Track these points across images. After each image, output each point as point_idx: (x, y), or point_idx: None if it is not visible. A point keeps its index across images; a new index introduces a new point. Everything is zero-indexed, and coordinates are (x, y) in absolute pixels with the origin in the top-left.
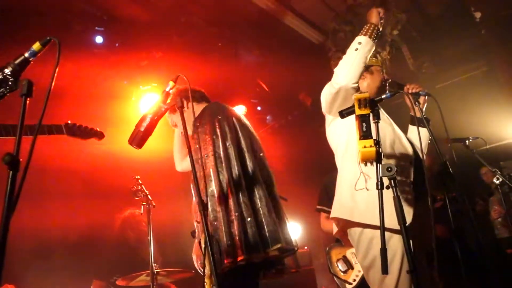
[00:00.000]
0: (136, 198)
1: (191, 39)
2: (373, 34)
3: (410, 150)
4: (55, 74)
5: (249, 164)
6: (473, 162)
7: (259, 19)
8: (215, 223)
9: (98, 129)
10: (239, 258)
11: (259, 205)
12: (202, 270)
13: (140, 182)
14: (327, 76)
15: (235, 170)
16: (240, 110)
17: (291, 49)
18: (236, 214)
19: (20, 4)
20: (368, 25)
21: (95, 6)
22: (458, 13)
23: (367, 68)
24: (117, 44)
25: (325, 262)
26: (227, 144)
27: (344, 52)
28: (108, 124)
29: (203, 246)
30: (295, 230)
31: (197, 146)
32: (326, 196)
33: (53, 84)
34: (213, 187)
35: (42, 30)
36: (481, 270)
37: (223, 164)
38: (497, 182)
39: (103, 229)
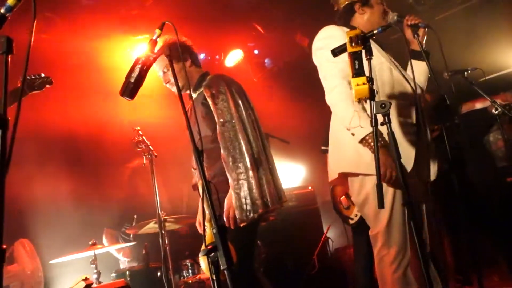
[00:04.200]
0: (138, 149)
1: None
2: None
3: (410, 89)
4: (33, 30)
5: (261, 130)
6: (473, 94)
7: None
8: (241, 181)
9: (44, 75)
10: (260, 210)
11: (272, 163)
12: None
13: (141, 133)
14: (324, 16)
15: (256, 134)
16: (237, 54)
17: None
18: (264, 172)
19: None
20: (371, 146)
21: None
22: None
23: (366, 2)
24: None
25: (330, 201)
26: (249, 112)
27: None
28: (104, 74)
29: (200, 191)
30: (299, 171)
31: (219, 111)
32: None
33: (32, 40)
34: (243, 149)
35: None
36: (481, 201)
37: (248, 129)
38: (496, 112)
39: (111, 182)
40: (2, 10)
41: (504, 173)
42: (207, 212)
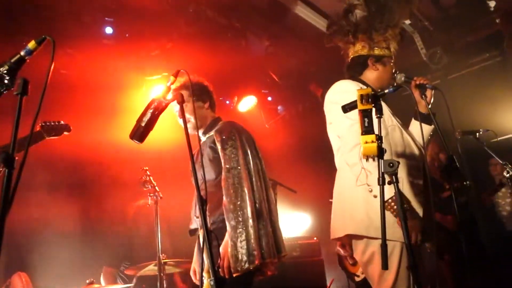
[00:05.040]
0: (144, 189)
1: (200, 29)
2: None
3: (417, 151)
4: (50, 72)
5: (267, 181)
6: (484, 156)
7: (269, 8)
8: (239, 230)
9: (63, 122)
10: (257, 262)
11: (275, 215)
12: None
13: (148, 173)
14: (337, 66)
15: (261, 184)
16: (250, 100)
17: (301, 39)
18: (265, 223)
19: None
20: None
21: None
22: (472, 2)
23: (379, 59)
24: (127, 35)
25: (335, 253)
26: (256, 161)
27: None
28: (119, 114)
29: (201, 240)
30: (304, 220)
31: (227, 157)
32: None
33: (47, 82)
34: (245, 197)
35: (52, 22)
36: (489, 263)
37: (254, 178)
38: (507, 175)
39: (114, 218)
40: (22, 53)
41: None
42: (206, 261)
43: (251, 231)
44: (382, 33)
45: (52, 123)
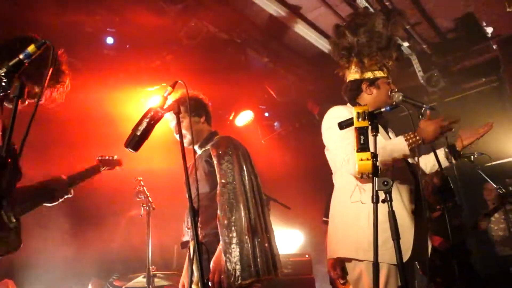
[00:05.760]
0: (137, 199)
1: (200, 43)
2: (414, 146)
3: (409, 172)
4: (48, 77)
5: (262, 197)
6: (478, 178)
7: (270, 25)
8: (233, 245)
9: (117, 157)
10: (251, 279)
11: (270, 232)
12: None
13: (142, 183)
14: (336, 85)
15: (257, 200)
16: (247, 115)
17: (301, 57)
18: (260, 240)
19: (31, 4)
20: (416, 138)
21: (106, 8)
22: (470, 27)
23: (373, 82)
24: (127, 46)
25: (326, 272)
26: (252, 177)
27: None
28: (118, 125)
29: (191, 251)
30: (297, 238)
31: (223, 172)
32: None
33: (45, 87)
34: (241, 213)
35: (54, 30)
36: (482, 287)
37: (249, 194)
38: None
39: (106, 227)
40: (21, 56)
41: (507, 262)
42: (195, 274)
43: (245, 246)
44: (372, 57)
45: (108, 158)
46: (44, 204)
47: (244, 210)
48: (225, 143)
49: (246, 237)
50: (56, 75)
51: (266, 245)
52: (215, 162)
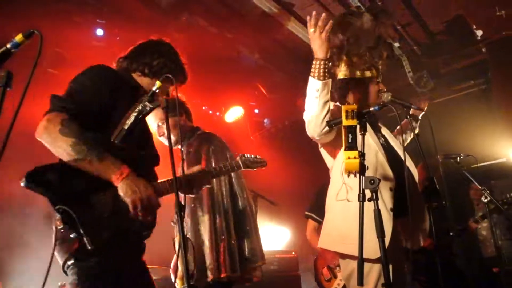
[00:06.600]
0: None
1: (191, 37)
2: (324, 72)
3: (390, 174)
4: (35, 66)
5: (243, 192)
6: (463, 180)
7: (261, 22)
8: (212, 240)
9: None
10: (222, 275)
11: (247, 229)
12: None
13: None
14: None
15: (236, 193)
16: (237, 111)
17: (292, 54)
18: (224, 237)
19: None
20: (315, 63)
21: None
22: (460, 30)
23: (360, 82)
24: (117, 38)
25: (311, 268)
26: (237, 174)
27: (333, 63)
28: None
29: (176, 246)
30: (284, 234)
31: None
32: (316, 204)
33: (32, 75)
34: (221, 210)
35: (44, 19)
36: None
37: (235, 191)
38: (485, 200)
39: None
40: (8, 46)
41: (491, 263)
42: (180, 268)
43: (208, 244)
44: (361, 57)
45: (252, 157)
46: None
47: (218, 203)
48: (207, 138)
49: (209, 234)
50: None
51: (233, 242)
52: (200, 154)
